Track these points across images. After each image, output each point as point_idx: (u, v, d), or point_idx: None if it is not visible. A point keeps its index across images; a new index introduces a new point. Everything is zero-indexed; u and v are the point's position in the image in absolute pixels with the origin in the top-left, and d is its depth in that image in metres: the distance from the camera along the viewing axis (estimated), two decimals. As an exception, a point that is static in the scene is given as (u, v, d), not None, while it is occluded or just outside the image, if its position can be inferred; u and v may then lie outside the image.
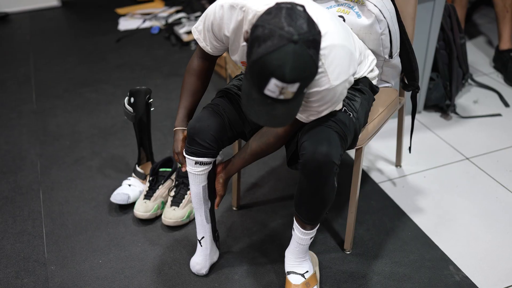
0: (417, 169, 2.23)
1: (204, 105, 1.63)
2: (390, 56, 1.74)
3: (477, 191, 2.09)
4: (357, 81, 1.58)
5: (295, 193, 1.51)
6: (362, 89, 1.58)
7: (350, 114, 1.49)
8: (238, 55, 1.50)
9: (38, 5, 4.30)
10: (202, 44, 1.54)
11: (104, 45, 3.56)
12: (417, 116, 2.59)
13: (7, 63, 3.35)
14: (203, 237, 1.72)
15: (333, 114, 1.44)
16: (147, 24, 3.82)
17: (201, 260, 1.74)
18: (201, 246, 1.73)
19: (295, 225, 1.58)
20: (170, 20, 3.76)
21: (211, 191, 1.67)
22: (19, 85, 3.06)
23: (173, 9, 3.96)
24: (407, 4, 1.81)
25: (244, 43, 1.24)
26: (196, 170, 1.60)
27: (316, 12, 1.35)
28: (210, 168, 1.62)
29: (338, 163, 1.40)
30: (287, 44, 1.14)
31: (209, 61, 1.63)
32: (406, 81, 1.85)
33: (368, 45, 1.70)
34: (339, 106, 1.46)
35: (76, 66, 3.28)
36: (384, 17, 1.66)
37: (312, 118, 1.43)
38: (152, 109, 2.03)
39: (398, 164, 2.25)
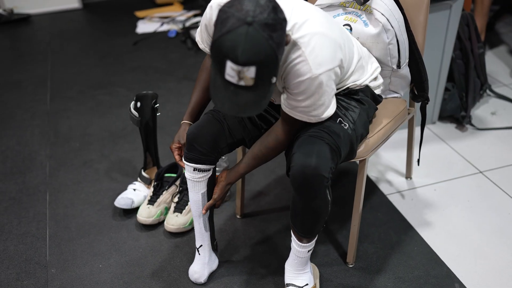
0: (428, 181, 2.17)
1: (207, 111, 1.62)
2: (398, 66, 1.69)
3: (489, 207, 2.02)
4: (358, 91, 1.54)
5: (290, 206, 1.48)
6: (361, 99, 1.54)
7: (345, 125, 1.44)
8: None
9: (60, 7, 4.36)
10: (201, 46, 1.55)
11: (121, 47, 3.59)
12: (431, 126, 2.53)
13: (25, 64, 3.40)
14: (201, 246, 1.71)
15: (326, 125, 1.40)
16: (165, 27, 3.84)
17: (199, 268, 1.72)
18: (199, 254, 1.72)
19: (293, 237, 1.55)
20: (188, 23, 3.77)
21: (210, 197, 1.64)
22: (35, 86, 3.09)
23: (191, 13, 3.97)
24: (419, 12, 1.76)
25: None
26: (195, 176, 1.59)
27: (297, 2, 1.34)
28: (209, 175, 1.60)
29: (328, 176, 1.36)
30: (241, 26, 1.13)
31: None
32: (415, 92, 1.80)
33: (375, 55, 1.66)
34: (331, 110, 1.40)
35: (92, 68, 3.30)
36: (392, 26, 1.62)
37: (302, 116, 1.39)
38: (158, 114, 2.03)
39: (408, 176, 2.19)
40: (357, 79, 1.52)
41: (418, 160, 1.98)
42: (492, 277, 1.72)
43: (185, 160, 1.58)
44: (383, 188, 2.15)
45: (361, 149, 1.59)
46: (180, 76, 3.13)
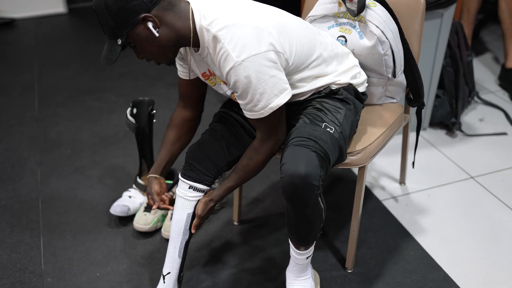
0: (421, 187, 2.20)
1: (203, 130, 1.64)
2: (394, 75, 1.71)
3: (481, 211, 2.06)
4: (340, 90, 1.52)
5: (285, 215, 1.48)
6: (345, 98, 1.53)
7: (331, 129, 1.43)
8: (196, 67, 1.52)
9: (45, 11, 4.30)
10: (178, 70, 1.57)
11: (108, 53, 3.55)
12: (422, 133, 2.57)
13: (11, 69, 3.35)
14: (169, 273, 1.61)
15: (311, 132, 1.39)
16: (152, 33, 3.81)
17: None
18: (164, 283, 1.61)
19: (290, 245, 1.55)
20: (176, 29, 3.75)
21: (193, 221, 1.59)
22: (22, 91, 3.05)
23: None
24: (414, 21, 1.79)
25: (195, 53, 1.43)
26: (188, 195, 1.55)
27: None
28: (201, 197, 1.57)
29: (318, 185, 1.34)
30: None
31: (191, 109, 1.63)
32: (411, 97, 1.83)
33: (371, 65, 1.68)
34: (281, 99, 1.35)
35: (80, 73, 3.27)
36: (387, 38, 1.63)
37: (254, 114, 1.37)
38: (154, 120, 2.01)
39: (402, 181, 2.22)
40: (328, 72, 1.51)
41: (413, 163, 2.01)
42: (487, 281, 1.75)
43: (182, 177, 1.56)
44: (378, 193, 2.17)
45: (361, 156, 1.60)
46: (169, 82, 3.12)
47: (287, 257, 1.81)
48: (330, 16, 1.73)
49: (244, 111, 1.41)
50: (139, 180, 2.09)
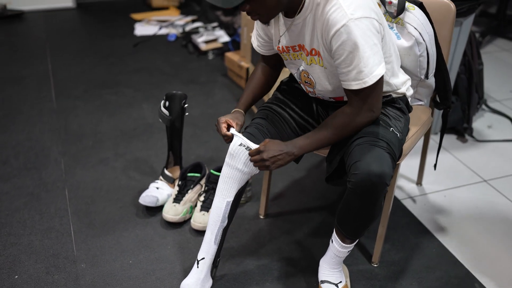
0: (437, 188, 2.28)
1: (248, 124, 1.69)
2: (426, 76, 1.79)
3: (496, 213, 2.14)
4: (398, 99, 1.62)
5: (340, 208, 1.54)
6: (402, 108, 1.64)
7: (397, 134, 1.54)
8: (283, 38, 1.55)
9: (53, 5, 4.31)
10: (254, 44, 1.63)
11: (121, 48, 3.58)
12: (433, 137, 2.65)
13: (25, 60, 3.35)
14: (203, 258, 1.65)
15: (382, 134, 1.48)
16: (164, 31, 3.86)
17: (192, 283, 1.64)
18: (198, 267, 1.65)
19: (335, 237, 1.61)
20: (188, 28, 3.80)
21: (232, 210, 1.64)
22: (38, 83, 3.06)
23: (189, 18, 4.00)
24: (444, 27, 1.87)
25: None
26: (237, 150, 1.54)
27: None
28: (246, 179, 1.61)
29: (389, 184, 1.44)
30: None
31: (272, 67, 1.73)
32: (438, 100, 1.91)
33: (406, 66, 1.75)
34: (381, 68, 1.39)
35: (95, 67, 3.29)
36: (424, 40, 1.71)
37: (358, 83, 1.39)
38: (186, 114, 2.06)
39: (419, 182, 2.29)
40: (393, 83, 1.60)
41: (435, 165, 2.09)
42: (508, 278, 1.83)
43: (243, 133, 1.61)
44: (396, 193, 2.24)
45: (396, 154, 1.67)
46: (185, 79, 3.16)
47: (315, 249, 1.88)
48: None
49: (345, 82, 1.42)
50: (166, 172, 2.13)
